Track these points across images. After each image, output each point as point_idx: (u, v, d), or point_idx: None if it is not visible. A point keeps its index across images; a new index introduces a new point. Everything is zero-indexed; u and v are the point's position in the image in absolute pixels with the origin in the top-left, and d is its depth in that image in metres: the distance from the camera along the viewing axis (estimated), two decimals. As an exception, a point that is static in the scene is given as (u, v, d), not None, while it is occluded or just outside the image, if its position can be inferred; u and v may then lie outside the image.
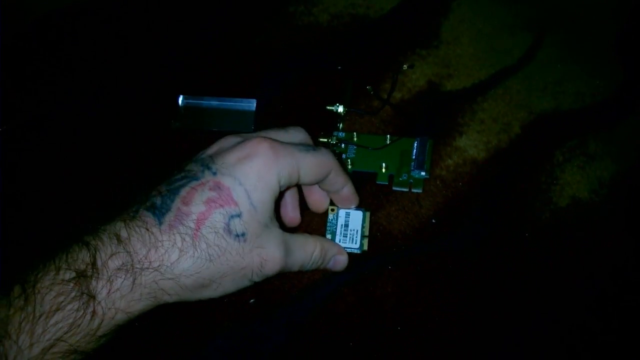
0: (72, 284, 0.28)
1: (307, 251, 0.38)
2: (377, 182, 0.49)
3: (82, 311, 0.28)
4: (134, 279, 0.30)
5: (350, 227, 0.46)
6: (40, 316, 0.27)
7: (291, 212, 0.44)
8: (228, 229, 0.32)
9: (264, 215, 0.34)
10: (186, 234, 0.31)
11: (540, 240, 0.48)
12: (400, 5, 0.60)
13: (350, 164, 0.49)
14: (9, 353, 0.26)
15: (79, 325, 0.28)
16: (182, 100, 0.51)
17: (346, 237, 0.46)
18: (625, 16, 0.60)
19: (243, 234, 0.32)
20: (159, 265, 0.30)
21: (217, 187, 0.32)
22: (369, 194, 0.49)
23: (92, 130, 0.53)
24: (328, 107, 0.49)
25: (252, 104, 0.52)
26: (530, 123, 0.54)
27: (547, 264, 0.47)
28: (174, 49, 0.57)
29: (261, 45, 0.58)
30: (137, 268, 0.30)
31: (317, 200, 0.45)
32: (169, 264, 0.31)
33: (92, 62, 0.57)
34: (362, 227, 0.46)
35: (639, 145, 0.53)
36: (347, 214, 0.46)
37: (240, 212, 0.32)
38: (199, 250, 0.31)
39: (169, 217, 0.31)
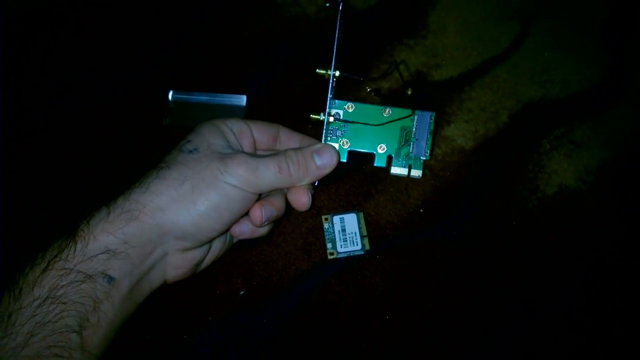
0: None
1: (268, 167, 0.38)
2: (375, 165, 0.45)
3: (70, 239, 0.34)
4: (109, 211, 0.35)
5: (348, 230, 0.47)
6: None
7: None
8: (180, 150, 0.38)
9: (215, 138, 0.39)
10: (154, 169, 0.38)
11: (528, 229, 0.49)
12: (388, -5, 0.60)
13: (346, 143, 0.44)
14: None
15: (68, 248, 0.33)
16: (172, 96, 0.52)
17: (346, 241, 0.47)
18: (610, 3, 0.60)
19: (196, 149, 0.38)
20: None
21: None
22: (358, 183, 0.50)
23: (82, 128, 0.53)
24: (318, 71, 0.43)
25: (242, 100, 0.52)
26: (517, 112, 0.54)
27: (534, 252, 0.48)
28: (163, 45, 0.57)
29: (249, 38, 0.58)
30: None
31: (298, 196, 0.42)
32: (144, 182, 0.36)
33: (81, 60, 0.57)
34: (359, 227, 0.47)
35: (625, 132, 0.54)
36: (342, 219, 0.47)
37: (189, 140, 0.39)
38: (158, 167, 0.37)
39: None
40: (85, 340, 0.32)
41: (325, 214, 0.47)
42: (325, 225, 0.47)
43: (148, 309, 0.38)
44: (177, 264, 0.38)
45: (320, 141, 0.44)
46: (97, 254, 0.33)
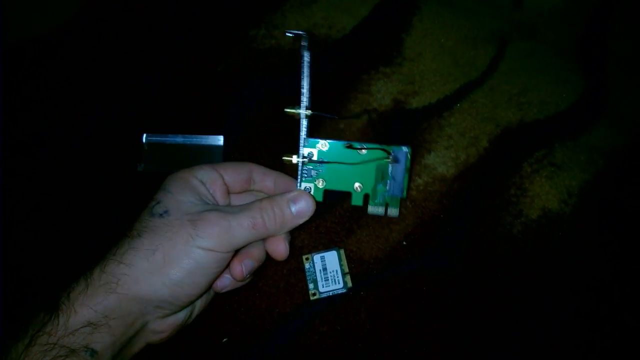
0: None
1: (242, 224, 0.38)
2: (352, 204, 0.44)
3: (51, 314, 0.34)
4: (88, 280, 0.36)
5: (329, 269, 0.48)
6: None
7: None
8: (151, 213, 0.38)
9: (185, 195, 0.39)
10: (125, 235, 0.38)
11: (513, 255, 0.50)
12: (362, 24, 0.61)
13: (322, 183, 0.44)
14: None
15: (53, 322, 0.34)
16: (146, 139, 0.53)
17: (328, 280, 0.47)
18: (583, 23, 0.61)
19: (166, 212, 0.38)
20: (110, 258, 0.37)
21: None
22: (339, 219, 0.51)
23: (51, 182, 0.53)
24: (287, 111, 0.42)
25: (219, 140, 0.53)
26: (497, 136, 0.55)
27: (520, 278, 0.49)
28: (134, 87, 0.58)
29: (224, 74, 0.59)
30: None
31: (274, 246, 0.42)
32: (117, 254, 0.37)
33: (49, 104, 0.58)
34: (340, 265, 0.48)
35: (605, 151, 0.55)
36: (322, 258, 0.48)
37: (158, 201, 0.39)
38: (130, 235, 0.37)
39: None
40: None
41: (306, 254, 0.48)
42: (307, 265, 0.47)
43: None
44: (159, 330, 0.38)
45: (296, 182, 0.43)
46: (79, 328, 0.34)
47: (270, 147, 0.54)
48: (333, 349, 0.45)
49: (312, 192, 0.43)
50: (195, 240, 0.36)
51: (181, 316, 0.40)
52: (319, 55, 0.60)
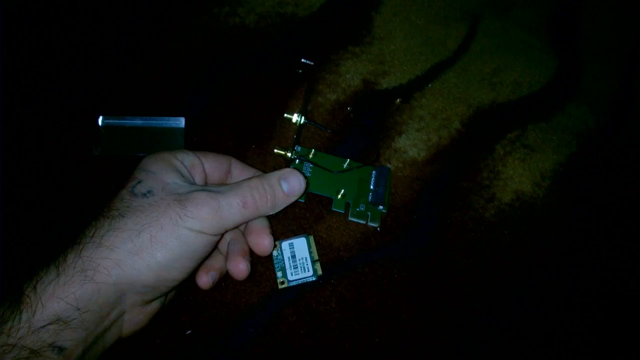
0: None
1: (231, 204, 0.36)
2: (333, 209, 0.47)
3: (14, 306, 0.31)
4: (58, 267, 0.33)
5: (298, 256, 0.46)
6: None
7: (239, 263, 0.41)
8: (133, 193, 0.35)
9: (168, 176, 0.37)
10: (101, 215, 0.35)
11: (486, 239, 0.49)
12: (331, 2, 0.59)
13: (306, 185, 0.44)
14: None
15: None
16: (102, 121, 0.50)
17: (297, 267, 0.46)
18: (556, 2, 0.61)
19: (150, 192, 0.35)
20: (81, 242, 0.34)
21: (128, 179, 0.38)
22: (308, 205, 0.49)
23: (3, 164, 0.51)
24: (286, 115, 0.46)
25: (180, 122, 0.50)
26: (469, 117, 0.55)
27: (494, 263, 0.48)
28: (89, 65, 0.55)
29: (185, 53, 0.56)
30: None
31: (259, 240, 0.41)
32: (96, 235, 0.34)
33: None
34: (310, 252, 0.46)
35: (577, 132, 0.54)
36: (291, 245, 0.46)
37: (139, 180, 0.36)
38: (109, 215, 0.35)
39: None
40: None
41: (274, 240, 0.46)
42: (274, 253, 0.46)
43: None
44: (136, 320, 0.36)
45: None
46: (45, 325, 0.31)
47: (234, 129, 0.52)
48: (303, 339, 0.44)
49: None
50: (185, 222, 0.34)
51: (159, 303, 0.38)
52: (285, 35, 0.58)
